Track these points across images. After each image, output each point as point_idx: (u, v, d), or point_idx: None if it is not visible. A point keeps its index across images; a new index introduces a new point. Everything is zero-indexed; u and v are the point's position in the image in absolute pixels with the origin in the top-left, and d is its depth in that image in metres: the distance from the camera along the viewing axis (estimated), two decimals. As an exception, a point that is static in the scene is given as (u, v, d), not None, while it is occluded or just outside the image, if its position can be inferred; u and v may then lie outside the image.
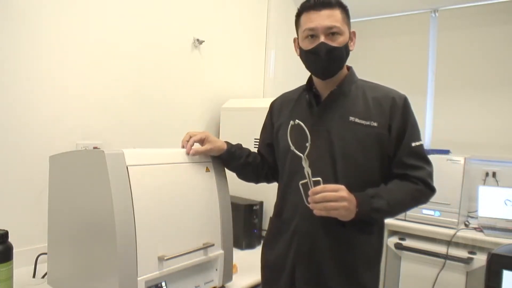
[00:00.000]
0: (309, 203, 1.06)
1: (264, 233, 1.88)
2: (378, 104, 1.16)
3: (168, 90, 1.99)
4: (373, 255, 1.19)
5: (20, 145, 1.45)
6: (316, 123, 1.17)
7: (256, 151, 1.40)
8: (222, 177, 1.34)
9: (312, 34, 1.14)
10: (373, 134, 1.14)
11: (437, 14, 2.89)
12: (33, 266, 1.40)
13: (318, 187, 1.04)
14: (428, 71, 2.91)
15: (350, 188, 1.07)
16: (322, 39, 1.12)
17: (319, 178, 1.05)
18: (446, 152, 2.40)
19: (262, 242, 1.33)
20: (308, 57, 1.17)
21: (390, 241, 2.28)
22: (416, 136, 1.17)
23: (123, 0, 1.75)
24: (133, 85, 1.82)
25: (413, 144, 1.15)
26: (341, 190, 1.05)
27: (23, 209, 1.46)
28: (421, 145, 1.17)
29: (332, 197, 1.04)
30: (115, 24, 1.73)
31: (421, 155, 1.17)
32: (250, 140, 1.95)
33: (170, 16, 1.97)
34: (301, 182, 1.08)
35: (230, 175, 1.36)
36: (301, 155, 1.05)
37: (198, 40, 2.11)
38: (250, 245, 1.83)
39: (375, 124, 1.14)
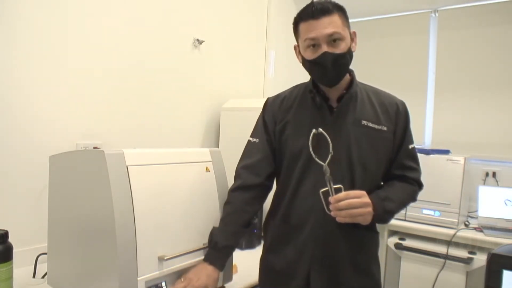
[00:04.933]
0: (330, 210, 1.07)
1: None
2: (385, 109, 1.20)
3: (168, 90, 1.99)
4: (377, 250, 1.27)
5: (20, 145, 1.45)
6: (331, 128, 1.13)
7: (258, 160, 1.25)
8: (222, 177, 1.33)
9: (314, 44, 1.12)
10: (384, 138, 1.18)
11: (437, 14, 2.89)
12: (33, 266, 1.39)
13: (341, 194, 1.05)
14: (428, 71, 2.91)
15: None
16: (324, 48, 1.10)
17: (340, 186, 1.06)
18: (446, 152, 2.40)
19: (264, 247, 1.30)
20: (313, 67, 1.15)
21: (390, 241, 2.28)
22: (412, 138, 1.25)
23: (123, 0, 1.75)
24: (133, 85, 1.82)
25: (410, 147, 1.23)
26: (364, 196, 1.08)
27: (23, 209, 1.46)
28: (414, 147, 1.26)
29: (357, 204, 1.05)
30: (115, 24, 1.73)
31: (416, 157, 1.26)
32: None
33: (170, 16, 1.97)
34: (322, 190, 1.07)
35: (230, 175, 1.34)
36: (323, 163, 1.04)
37: (198, 40, 2.11)
38: (250, 245, 1.82)
39: (385, 128, 1.18)
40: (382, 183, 1.25)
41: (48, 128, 1.51)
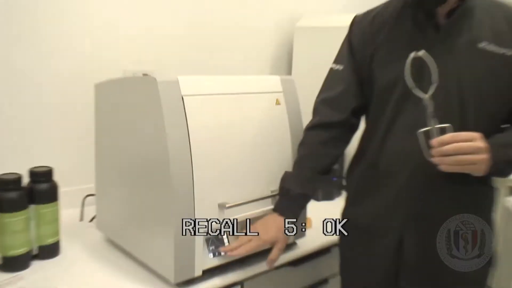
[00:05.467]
0: (430, 156, 0.93)
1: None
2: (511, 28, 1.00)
3: (233, 7, 1.84)
4: (491, 210, 1.09)
5: (65, 72, 1.41)
6: (437, 51, 0.97)
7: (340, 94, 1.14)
8: (295, 112, 1.21)
9: None
10: (509, 66, 0.98)
11: None
12: (80, 208, 1.39)
13: (447, 136, 0.91)
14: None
15: None
16: None
17: (447, 125, 0.92)
18: None
19: (346, 198, 1.21)
20: None
21: (510, 200, 1.96)
22: None
23: None
24: (193, 5, 1.70)
25: None
26: (477, 140, 0.92)
27: (69, 145, 1.45)
28: None
29: (467, 149, 0.90)
30: None
31: None
32: (329, 67, 1.73)
33: None
34: (420, 130, 0.94)
35: (305, 109, 1.19)
36: (424, 96, 0.92)
37: None
38: (328, 196, 1.70)
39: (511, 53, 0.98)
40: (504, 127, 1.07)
41: (94, 53, 1.47)
